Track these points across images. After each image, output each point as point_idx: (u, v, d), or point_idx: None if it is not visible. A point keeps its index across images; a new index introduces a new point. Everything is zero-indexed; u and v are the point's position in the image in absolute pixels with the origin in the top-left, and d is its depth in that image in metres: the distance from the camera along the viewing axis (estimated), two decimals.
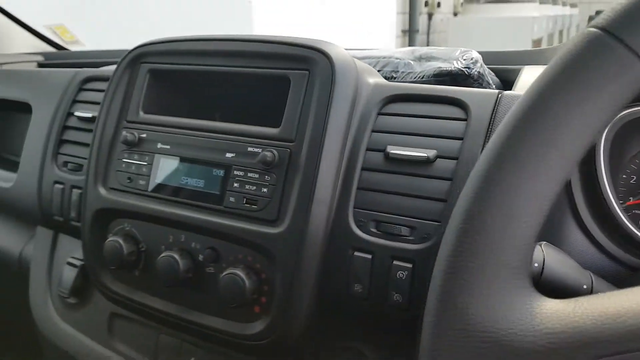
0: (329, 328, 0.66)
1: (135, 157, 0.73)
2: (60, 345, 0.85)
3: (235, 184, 0.65)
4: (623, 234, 0.52)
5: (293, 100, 0.64)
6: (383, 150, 0.61)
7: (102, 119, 0.76)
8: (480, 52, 0.81)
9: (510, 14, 5.11)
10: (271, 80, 0.67)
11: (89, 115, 0.84)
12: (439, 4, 5.38)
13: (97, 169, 0.74)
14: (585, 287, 0.44)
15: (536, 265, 0.43)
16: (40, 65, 1.29)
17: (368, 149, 0.62)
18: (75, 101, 0.88)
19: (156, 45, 0.75)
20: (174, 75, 0.75)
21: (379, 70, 0.80)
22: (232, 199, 0.65)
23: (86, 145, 0.84)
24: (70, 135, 0.87)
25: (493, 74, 0.82)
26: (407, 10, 4.96)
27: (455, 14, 5.71)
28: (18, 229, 0.98)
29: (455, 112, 0.61)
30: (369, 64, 0.77)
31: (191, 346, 0.74)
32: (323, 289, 0.62)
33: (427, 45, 4.62)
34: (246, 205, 0.64)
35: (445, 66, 0.79)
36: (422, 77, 0.80)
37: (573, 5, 6.85)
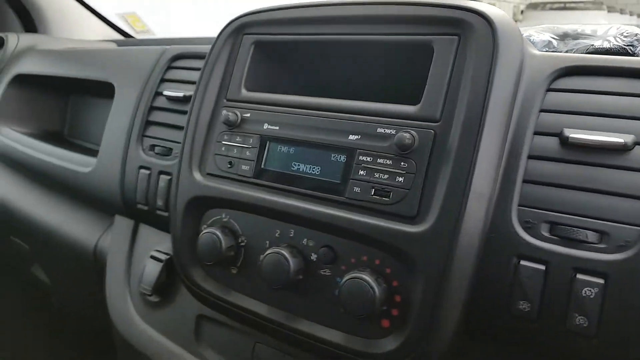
0: (480, 354, 0.54)
1: (238, 139, 0.64)
2: (139, 347, 0.77)
3: (361, 172, 0.54)
4: None
5: (437, 72, 0.53)
6: (558, 135, 0.50)
7: (198, 98, 0.67)
8: None
9: (574, 22, 4.80)
10: (407, 49, 0.57)
11: (180, 94, 0.77)
12: None
13: (193, 152, 0.66)
14: None
15: None
16: None
17: (536, 133, 0.51)
18: (163, 80, 0.81)
19: (264, 14, 0.65)
20: (283, 47, 0.66)
21: None
22: (356, 189, 0.55)
23: (175, 127, 0.77)
24: (157, 116, 0.80)
25: None
26: None
27: (515, 22, 5.45)
28: (94, 218, 0.92)
29: None
30: None
31: None
32: (475, 305, 0.50)
33: None
34: (375, 197, 0.53)
35: (600, 44, 0.66)
36: None
37: None
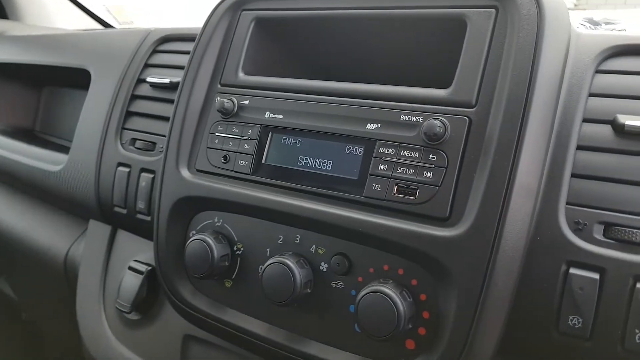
0: None
1: (234, 130, 0.55)
2: None
3: (382, 166, 0.47)
4: None
5: (471, 50, 0.46)
6: (610, 122, 0.44)
7: (188, 83, 0.59)
8: None
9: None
10: (435, 24, 0.49)
11: (166, 80, 0.69)
12: None
13: (180, 146, 0.58)
14: None
15: None
16: None
17: (585, 120, 0.45)
18: (147, 65, 0.72)
19: None
20: (288, 25, 0.58)
21: None
22: (376, 187, 0.47)
23: (160, 118, 0.69)
24: (139, 106, 0.71)
25: None
26: None
27: None
28: (65, 223, 0.82)
29: None
30: None
31: None
32: (516, 320, 0.43)
33: None
34: (398, 195, 0.46)
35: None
36: None
37: None
